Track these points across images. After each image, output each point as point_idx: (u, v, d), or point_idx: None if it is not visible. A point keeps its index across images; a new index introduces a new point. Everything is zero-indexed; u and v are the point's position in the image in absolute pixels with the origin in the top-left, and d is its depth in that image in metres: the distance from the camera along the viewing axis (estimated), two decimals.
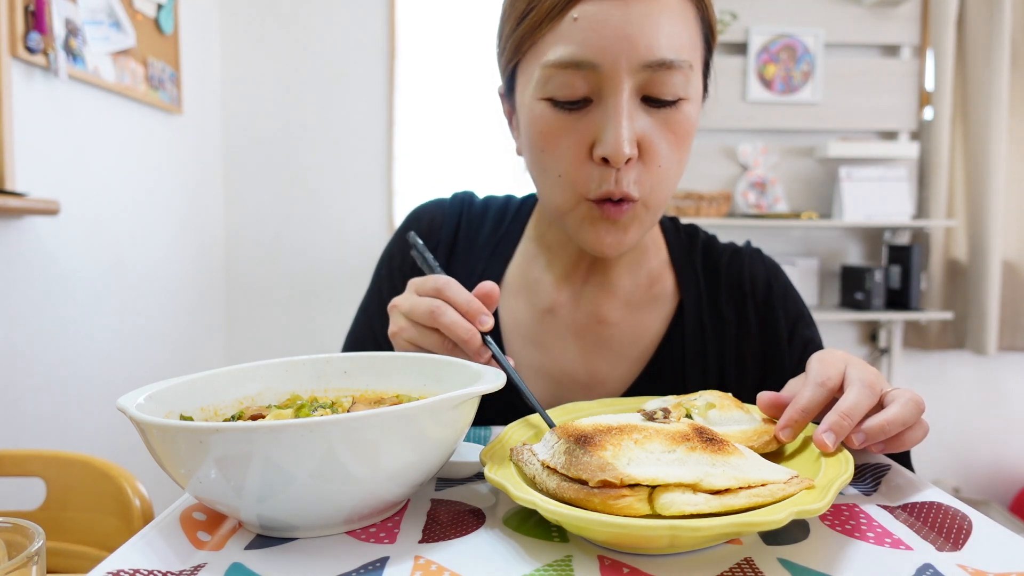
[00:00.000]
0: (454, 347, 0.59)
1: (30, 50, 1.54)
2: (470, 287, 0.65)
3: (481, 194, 0.87)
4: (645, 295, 0.77)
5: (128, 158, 1.99)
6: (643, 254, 0.77)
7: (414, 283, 0.62)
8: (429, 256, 0.66)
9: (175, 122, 2.24)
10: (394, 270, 0.82)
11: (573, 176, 0.63)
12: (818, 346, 0.77)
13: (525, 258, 0.79)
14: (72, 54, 1.67)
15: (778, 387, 0.62)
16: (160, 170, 2.16)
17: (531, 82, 0.63)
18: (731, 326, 0.76)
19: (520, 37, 0.63)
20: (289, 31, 2.54)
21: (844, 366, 0.51)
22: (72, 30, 1.66)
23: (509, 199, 0.84)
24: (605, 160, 0.61)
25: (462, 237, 0.81)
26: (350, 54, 2.54)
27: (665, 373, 0.75)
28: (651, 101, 0.61)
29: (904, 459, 0.61)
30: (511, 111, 0.72)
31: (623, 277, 0.76)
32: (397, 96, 2.54)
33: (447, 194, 0.86)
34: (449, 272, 0.79)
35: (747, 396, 0.70)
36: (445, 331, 0.57)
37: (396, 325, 0.61)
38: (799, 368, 0.72)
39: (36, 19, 1.55)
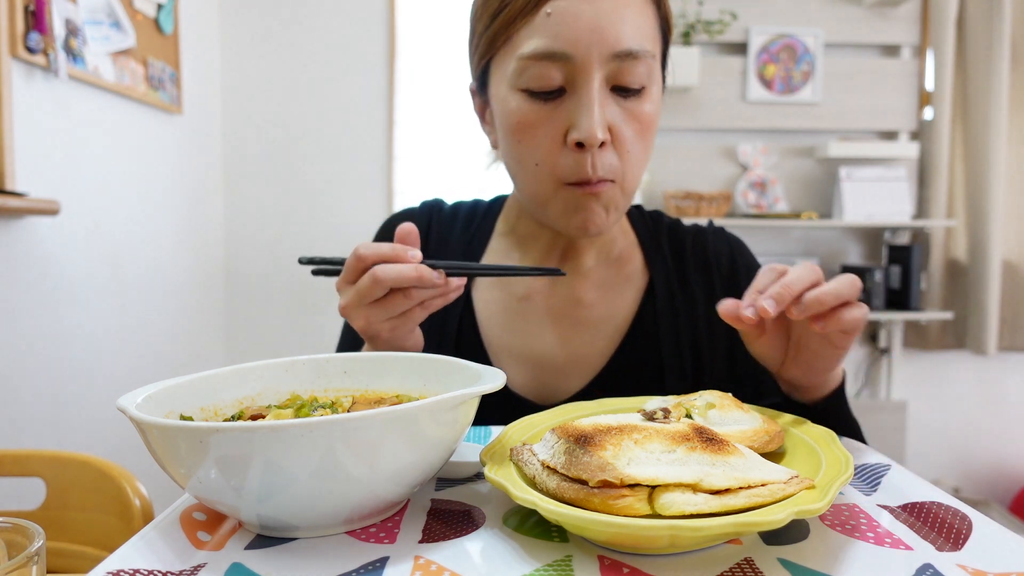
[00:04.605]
0: (421, 303, 0.61)
1: (30, 50, 1.54)
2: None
3: (465, 201, 0.90)
4: (616, 276, 0.80)
5: (128, 158, 1.99)
6: (612, 239, 0.81)
7: (340, 280, 0.63)
8: (329, 256, 0.66)
9: (175, 122, 2.24)
10: None
11: (550, 163, 0.66)
12: None
13: (497, 252, 0.82)
14: (72, 54, 1.67)
15: (746, 358, 0.69)
16: (160, 170, 2.16)
17: (506, 75, 0.66)
18: (700, 300, 0.79)
19: (494, 33, 0.66)
20: (289, 31, 2.54)
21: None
22: (72, 30, 1.66)
23: (477, 202, 0.88)
24: (579, 145, 0.64)
25: (433, 241, 0.84)
26: (350, 54, 2.54)
27: (640, 347, 0.77)
28: (619, 90, 0.65)
29: (851, 426, 0.65)
30: (483, 106, 0.75)
31: (594, 261, 0.80)
32: (397, 96, 2.54)
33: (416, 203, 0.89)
34: None
35: (720, 366, 0.77)
36: (395, 283, 0.58)
37: (362, 319, 0.61)
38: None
39: (36, 19, 1.55)
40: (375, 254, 0.59)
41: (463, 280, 0.63)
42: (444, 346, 0.77)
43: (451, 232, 0.84)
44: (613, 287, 0.80)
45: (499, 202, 0.86)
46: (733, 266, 0.81)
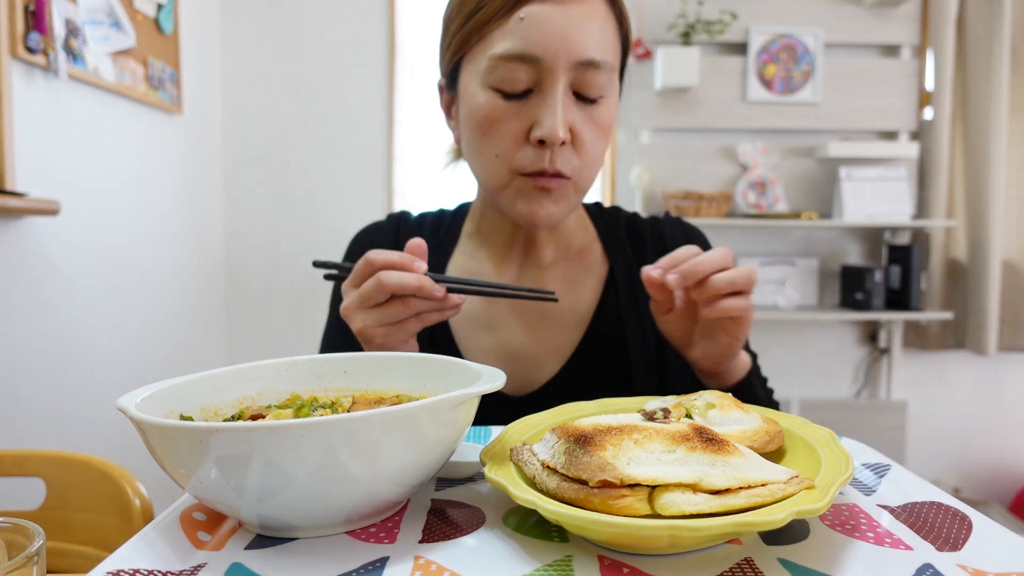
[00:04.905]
0: (418, 315, 0.63)
1: (30, 50, 1.54)
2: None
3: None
4: (578, 268, 0.84)
5: (128, 158, 1.99)
6: (572, 234, 0.85)
7: (347, 283, 0.65)
8: (342, 263, 0.70)
9: (175, 122, 2.24)
10: None
11: (509, 155, 0.71)
12: None
13: (464, 253, 0.86)
14: (72, 54, 1.67)
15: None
16: (160, 170, 2.16)
17: (477, 72, 0.70)
18: None
19: (468, 32, 0.70)
20: (289, 31, 2.54)
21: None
22: (72, 30, 1.66)
23: (443, 210, 0.92)
24: (541, 142, 0.69)
25: (402, 248, 0.86)
26: (350, 54, 2.54)
27: (605, 333, 0.81)
28: (580, 97, 0.70)
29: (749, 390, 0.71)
30: (451, 102, 0.79)
31: (555, 255, 0.83)
32: (397, 96, 2.54)
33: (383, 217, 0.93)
34: None
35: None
36: (396, 290, 0.61)
37: (360, 322, 0.63)
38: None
39: (36, 19, 1.55)
40: (383, 260, 0.62)
41: (462, 299, 0.65)
42: (419, 350, 0.79)
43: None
44: (575, 279, 0.83)
45: (464, 208, 0.90)
46: None
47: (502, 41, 0.67)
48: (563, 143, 0.69)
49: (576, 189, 0.73)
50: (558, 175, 0.70)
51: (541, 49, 0.66)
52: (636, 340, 0.80)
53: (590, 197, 2.55)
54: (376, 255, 0.62)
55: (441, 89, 0.80)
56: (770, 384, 0.85)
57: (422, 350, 0.78)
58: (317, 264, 0.69)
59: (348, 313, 0.64)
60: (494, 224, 0.83)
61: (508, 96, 0.69)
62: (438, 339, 0.80)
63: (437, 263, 0.85)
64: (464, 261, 0.85)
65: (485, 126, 0.71)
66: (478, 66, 0.70)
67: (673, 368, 0.81)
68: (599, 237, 0.86)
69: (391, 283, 0.61)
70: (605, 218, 0.88)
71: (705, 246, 0.86)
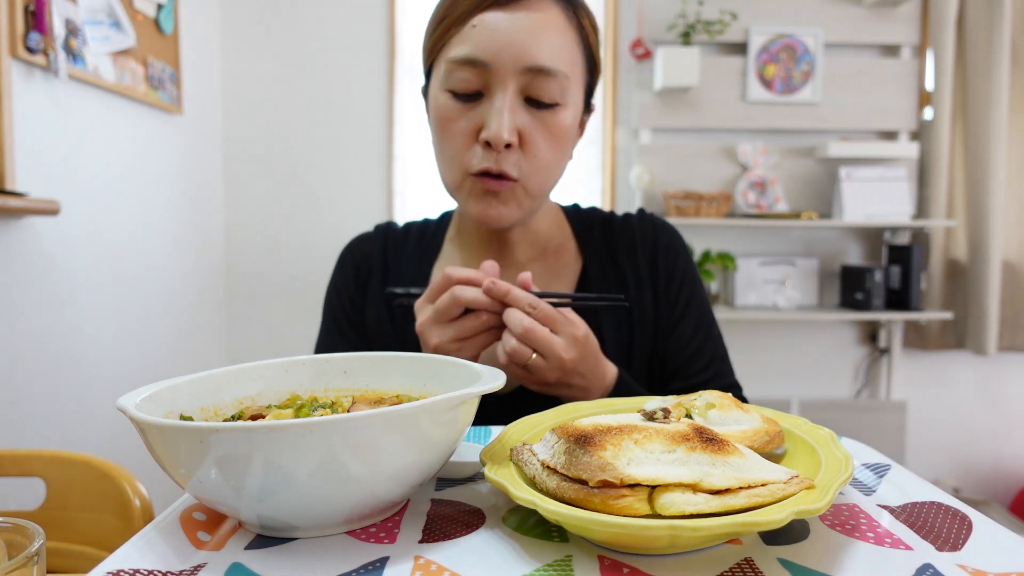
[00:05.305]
0: (492, 329, 0.67)
1: (30, 50, 1.54)
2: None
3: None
4: (554, 265, 0.87)
5: (128, 158, 1.99)
6: (547, 234, 0.87)
7: (421, 300, 0.70)
8: (412, 289, 0.75)
9: (175, 122, 2.24)
10: (344, 300, 0.89)
11: (461, 155, 0.74)
12: (699, 302, 0.86)
13: (447, 258, 0.88)
14: (72, 54, 1.67)
15: (668, 329, 0.83)
16: (160, 170, 2.16)
17: (439, 76, 0.75)
18: (630, 279, 0.85)
19: (435, 39, 0.75)
20: (289, 31, 2.54)
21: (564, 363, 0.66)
22: (72, 30, 1.66)
23: (427, 219, 0.95)
24: (488, 144, 0.72)
25: (390, 257, 0.90)
26: (350, 54, 2.54)
27: None
28: (532, 102, 0.73)
29: None
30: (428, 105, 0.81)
31: (530, 255, 0.86)
32: (397, 96, 2.54)
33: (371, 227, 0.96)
34: (383, 286, 0.88)
35: (647, 341, 0.85)
36: (470, 304, 0.65)
37: (436, 337, 0.67)
38: (680, 314, 0.85)
39: (36, 19, 1.55)
40: (460, 276, 0.66)
41: None
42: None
43: (404, 249, 0.90)
44: (553, 275, 0.86)
45: (447, 215, 0.93)
46: (655, 245, 0.87)
47: (458, 46, 0.72)
48: (509, 146, 0.71)
49: (526, 192, 0.75)
50: (502, 175, 0.73)
51: (489, 54, 0.70)
52: (611, 333, 0.82)
53: (589, 198, 2.56)
54: (453, 271, 0.67)
55: (424, 94, 0.84)
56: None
57: (407, 350, 0.78)
58: (390, 293, 0.74)
59: (424, 329, 0.67)
60: (470, 226, 0.86)
61: (460, 97, 0.73)
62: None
63: (423, 270, 0.87)
64: (447, 265, 0.87)
65: (441, 126, 0.75)
66: (440, 70, 0.74)
67: (637, 363, 0.83)
68: (574, 236, 0.89)
69: (466, 297, 0.65)
70: (581, 217, 0.91)
71: (676, 242, 0.89)
